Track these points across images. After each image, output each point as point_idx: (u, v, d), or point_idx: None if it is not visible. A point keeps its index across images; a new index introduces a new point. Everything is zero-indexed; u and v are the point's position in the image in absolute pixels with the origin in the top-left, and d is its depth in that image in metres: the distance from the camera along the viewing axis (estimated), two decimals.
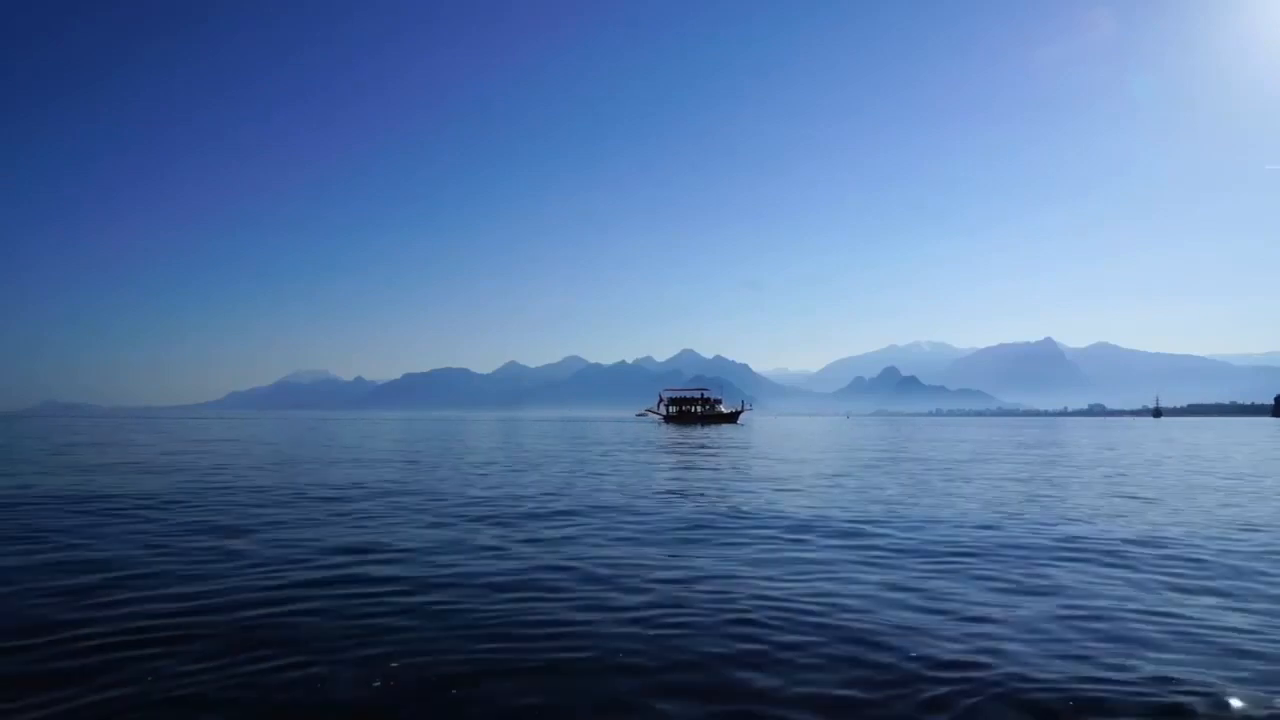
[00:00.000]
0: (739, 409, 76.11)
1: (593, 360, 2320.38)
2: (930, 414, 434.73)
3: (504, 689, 3.29)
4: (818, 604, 4.56)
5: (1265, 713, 3.12)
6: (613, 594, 4.83)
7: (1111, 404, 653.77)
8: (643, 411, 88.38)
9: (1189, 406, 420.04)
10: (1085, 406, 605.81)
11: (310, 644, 3.84)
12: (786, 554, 6.04)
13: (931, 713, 3.08)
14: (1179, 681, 3.39)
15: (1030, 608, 4.56)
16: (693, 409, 73.58)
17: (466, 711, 3.10)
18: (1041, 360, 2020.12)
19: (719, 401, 74.48)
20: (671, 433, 41.04)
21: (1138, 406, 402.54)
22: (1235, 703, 3.16)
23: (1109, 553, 6.31)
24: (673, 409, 74.51)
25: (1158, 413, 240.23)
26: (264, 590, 4.90)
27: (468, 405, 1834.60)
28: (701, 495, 10.46)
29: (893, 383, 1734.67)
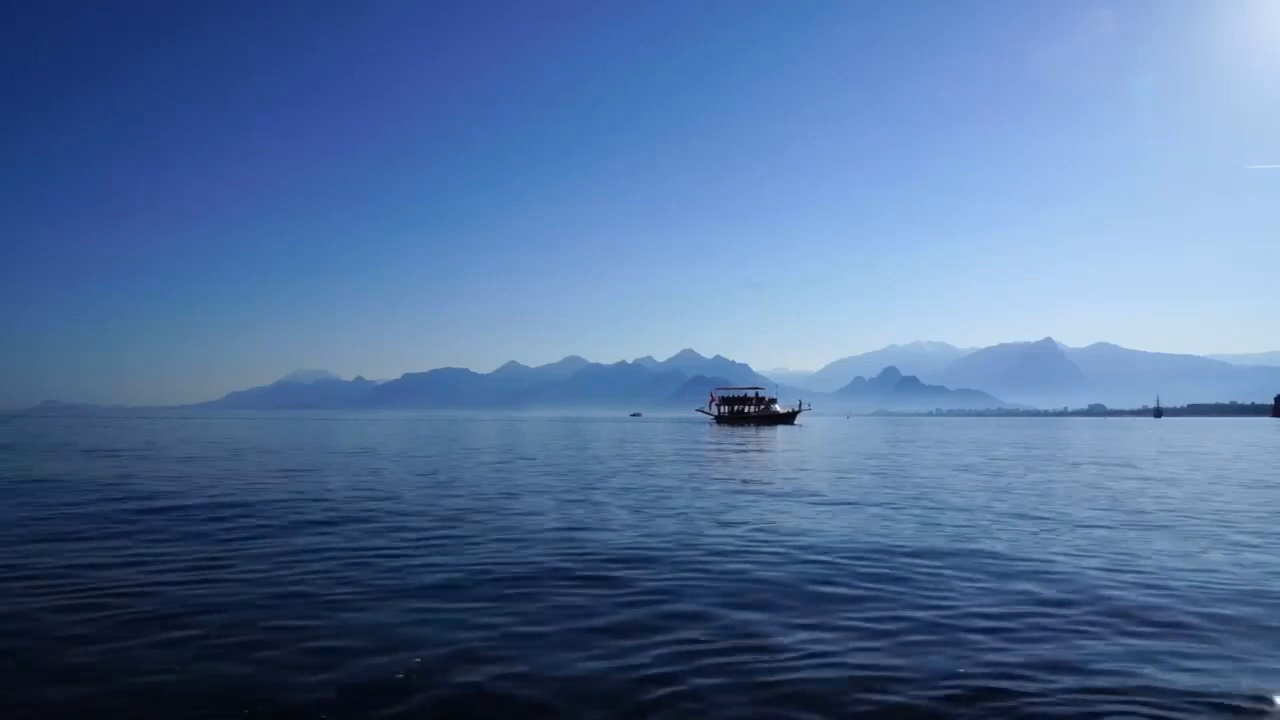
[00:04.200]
0: (796, 409, 70.97)
1: (593, 360, 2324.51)
2: (930, 414, 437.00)
3: None
4: None
5: None
6: None
7: (1112, 404, 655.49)
8: (637, 412, 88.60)
9: (1189, 406, 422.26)
10: (1085, 406, 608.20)
11: None
12: None
13: None
14: None
15: None
16: (746, 409, 69.74)
17: None
18: (1041, 360, 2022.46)
19: (774, 401, 70.14)
20: (744, 434, 39.32)
21: (1138, 406, 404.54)
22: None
23: None
24: (725, 409, 71.10)
25: (1158, 412, 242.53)
26: None
27: (468, 405, 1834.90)
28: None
29: (893, 383, 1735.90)
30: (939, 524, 8.07)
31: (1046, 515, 8.76)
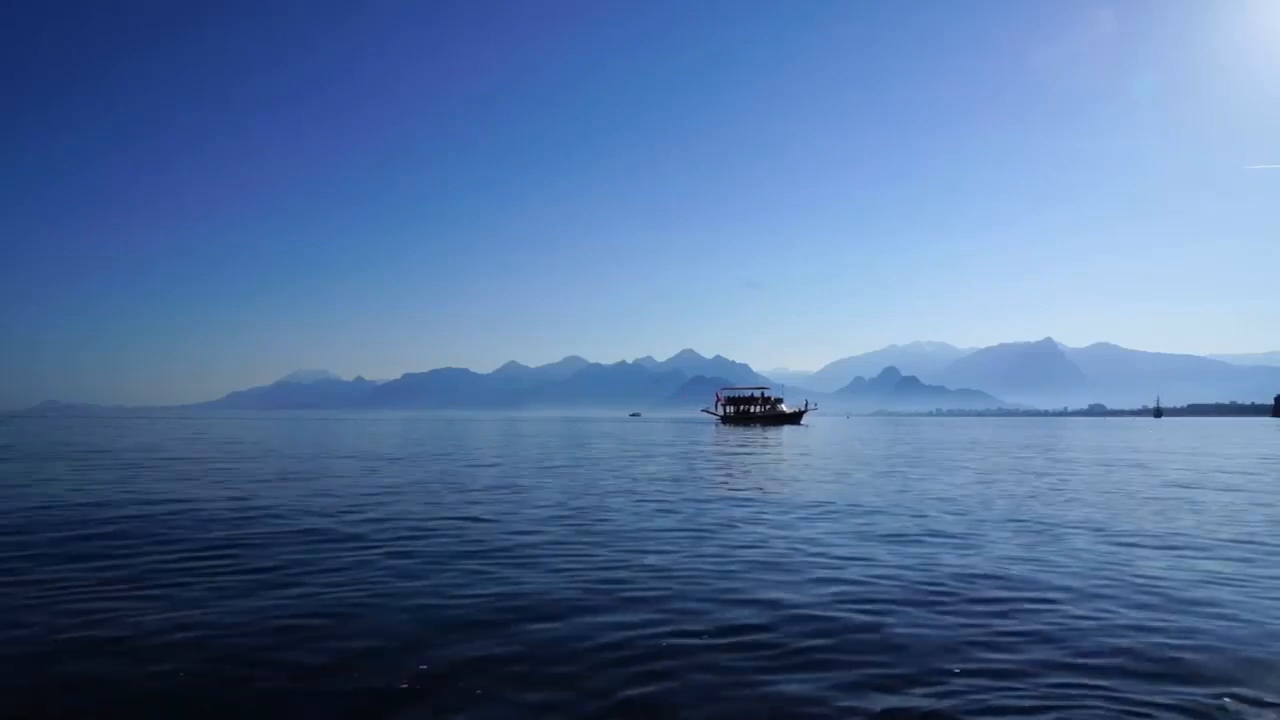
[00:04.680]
0: (802, 409, 70.36)
1: (593, 360, 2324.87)
2: (930, 414, 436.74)
3: None
4: None
5: None
6: None
7: (1112, 404, 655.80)
8: (636, 412, 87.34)
9: (1189, 406, 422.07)
10: (1085, 406, 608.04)
11: None
12: None
13: None
14: None
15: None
16: (752, 409, 69.20)
17: None
18: (1041, 360, 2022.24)
19: (780, 401, 69.83)
20: (751, 435, 38.83)
21: (1138, 406, 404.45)
22: None
23: None
24: (730, 409, 70.65)
25: (1158, 413, 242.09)
26: None
27: (468, 405, 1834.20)
28: None
29: (893, 383, 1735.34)
30: (981, 540, 7.83)
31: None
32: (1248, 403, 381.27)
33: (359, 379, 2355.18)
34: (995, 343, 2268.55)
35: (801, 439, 33.92)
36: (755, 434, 39.99)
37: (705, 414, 78.10)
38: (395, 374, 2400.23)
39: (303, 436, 33.71)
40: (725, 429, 50.52)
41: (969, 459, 20.28)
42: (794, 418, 68.40)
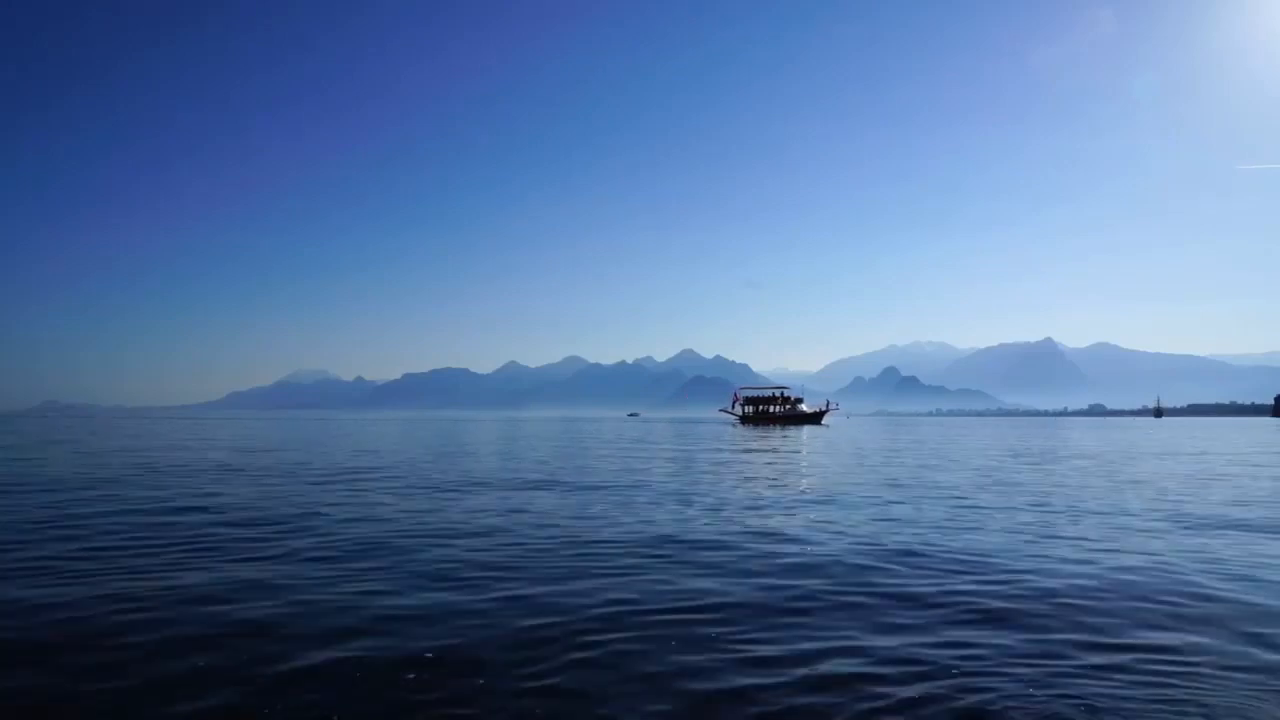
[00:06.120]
0: (823, 409, 69.96)
1: (593, 360, 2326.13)
2: (930, 414, 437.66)
3: None
4: None
5: None
6: None
7: (1112, 404, 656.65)
8: (635, 412, 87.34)
9: (1189, 406, 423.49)
10: (1085, 406, 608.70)
11: None
12: None
13: None
14: None
15: None
16: (771, 409, 69.10)
17: None
18: (1041, 360, 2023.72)
19: (800, 400, 69.64)
20: (775, 436, 37.18)
21: (1138, 406, 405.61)
22: None
23: None
24: (749, 409, 70.32)
25: (1159, 413, 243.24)
26: None
27: (468, 405, 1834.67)
28: None
29: (893, 383, 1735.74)
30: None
31: None
32: (1248, 403, 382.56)
33: (359, 379, 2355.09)
34: (995, 343, 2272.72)
35: (833, 441, 31.76)
36: (780, 436, 38.72)
37: (723, 414, 77.77)
38: (395, 374, 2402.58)
39: (317, 440, 31.98)
40: (746, 430, 49.36)
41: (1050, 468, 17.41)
42: (815, 418, 68.36)
